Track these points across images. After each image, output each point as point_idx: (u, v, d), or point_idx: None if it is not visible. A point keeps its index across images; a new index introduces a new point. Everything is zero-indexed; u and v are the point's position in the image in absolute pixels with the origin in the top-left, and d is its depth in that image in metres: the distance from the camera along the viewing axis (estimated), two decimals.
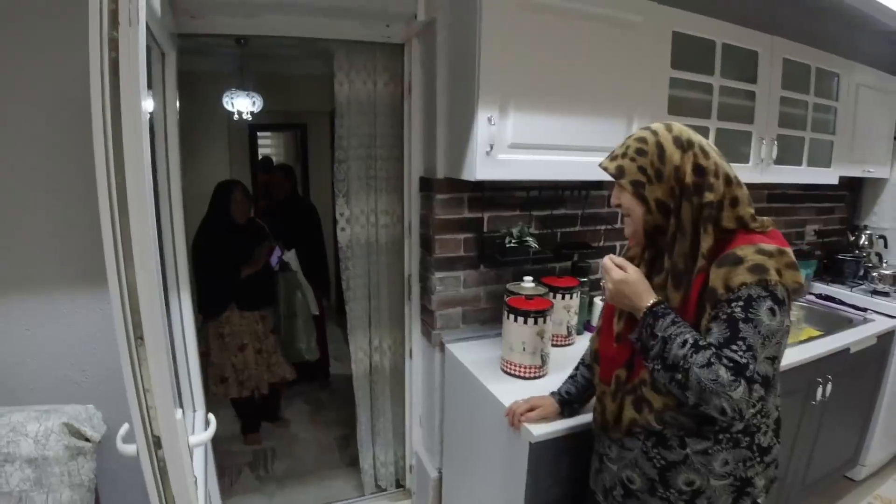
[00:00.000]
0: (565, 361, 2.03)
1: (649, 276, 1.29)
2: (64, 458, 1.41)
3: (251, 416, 3.35)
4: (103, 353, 1.88)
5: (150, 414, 1.08)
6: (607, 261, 1.30)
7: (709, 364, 1.06)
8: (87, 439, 1.45)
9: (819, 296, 3.11)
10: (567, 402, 1.61)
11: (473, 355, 2.11)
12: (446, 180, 2.12)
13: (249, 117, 4.55)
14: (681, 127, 1.25)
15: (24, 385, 1.80)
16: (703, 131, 2.28)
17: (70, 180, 1.76)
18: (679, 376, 1.10)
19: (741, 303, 1.10)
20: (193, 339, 1.96)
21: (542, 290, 2.00)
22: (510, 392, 1.79)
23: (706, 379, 1.05)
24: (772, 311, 1.09)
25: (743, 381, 1.04)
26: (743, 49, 2.34)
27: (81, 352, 1.86)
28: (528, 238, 2.13)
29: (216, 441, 2.15)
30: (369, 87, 2.30)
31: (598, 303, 2.34)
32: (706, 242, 1.17)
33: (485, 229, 2.23)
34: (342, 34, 2.18)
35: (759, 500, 1.28)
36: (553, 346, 2.14)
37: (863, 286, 3.11)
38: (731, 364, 1.05)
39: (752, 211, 1.22)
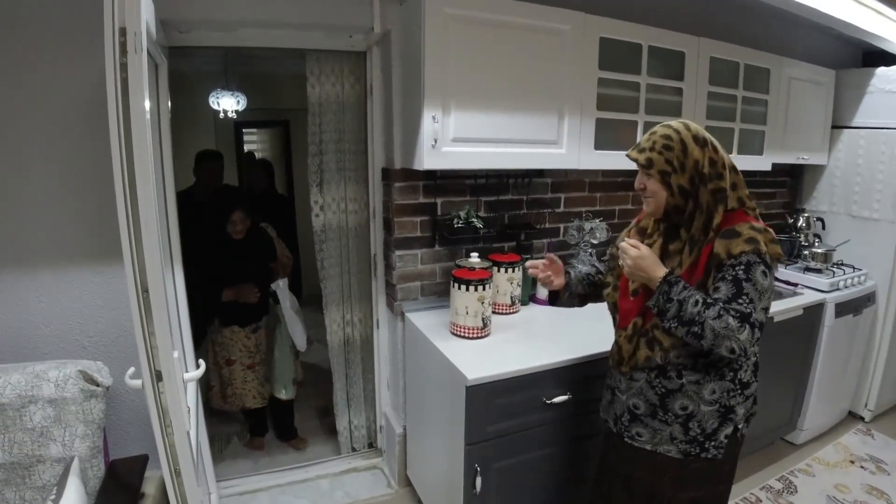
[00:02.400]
0: (510, 327, 2.33)
1: (665, 242, 1.56)
2: (79, 398, 1.68)
3: (258, 423, 3.18)
4: (105, 321, 2.14)
5: (153, 353, 1.35)
6: (624, 244, 1.53)
7: (719, 316, 1.32)
8: (97, 384, 1.72)
9: None
10: (567, 284, 1.87)
11: (428, 321, 2.37)
12: (402, 170, 2.37)
13: (234, 115, 4.72)
14: (696, 126, 1.50)
15: (40, 349, 2.06)
16: (632, 125, 2.52)
17: (78, 177, 2.01)
18: (696, 329, 1.36)
19: (742, 266, 1.37)
20: (185, 304, 2.23)
21: (486, 264, 2.28)
22: (456, 349, 2.08)
23: (719, 327, 1.32)
24: (764, 273, 1.38)
25: (747, 326, 1.32)
26: (670, 50, 2.53)
27: (87, 320, 2.12)
28: (473, 219, 2.41)
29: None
30: (337, 89, 2.54)
31: None
32: (717, 219, 1.45)
33: (438, 213, 2.49)
34: (312, 44, 2.41)
35: (739, 426, 1.55)
36: (499, 314, 2.45)
37: (797, 264, 3.31)
38: (737, 314, 1.32)
39: (748, 192, 1.52)
